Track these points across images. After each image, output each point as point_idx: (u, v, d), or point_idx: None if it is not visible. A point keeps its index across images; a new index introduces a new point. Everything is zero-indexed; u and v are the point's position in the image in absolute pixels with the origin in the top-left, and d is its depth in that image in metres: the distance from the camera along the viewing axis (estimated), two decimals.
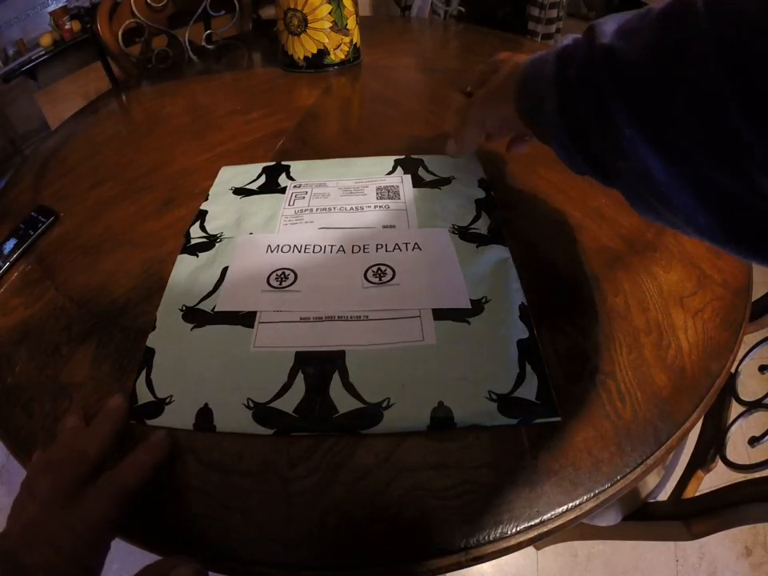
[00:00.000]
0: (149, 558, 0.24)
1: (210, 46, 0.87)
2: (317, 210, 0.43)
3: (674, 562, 0.89)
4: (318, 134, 0.56)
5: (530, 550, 0.88)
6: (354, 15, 0.69)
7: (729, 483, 0.42)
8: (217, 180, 0.49)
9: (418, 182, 0.45)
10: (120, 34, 0.75)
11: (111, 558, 0.24)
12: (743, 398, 0.50)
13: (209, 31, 0.87)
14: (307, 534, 0.24)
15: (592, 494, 0.26)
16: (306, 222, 0.41)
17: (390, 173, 0.47)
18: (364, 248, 0.38)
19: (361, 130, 0.61)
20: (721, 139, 0.19)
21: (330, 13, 0.66)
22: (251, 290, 0.35)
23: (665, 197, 0.23)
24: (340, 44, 0.70)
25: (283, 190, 0.46)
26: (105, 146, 0.59)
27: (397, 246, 0.38)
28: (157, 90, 0.74)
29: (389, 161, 0.49)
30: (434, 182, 0.45)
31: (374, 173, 0.47)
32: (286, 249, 0.39)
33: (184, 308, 0.35)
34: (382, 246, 0.38)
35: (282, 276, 0.36)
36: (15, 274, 0.41)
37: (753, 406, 0.48)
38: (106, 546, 0.25)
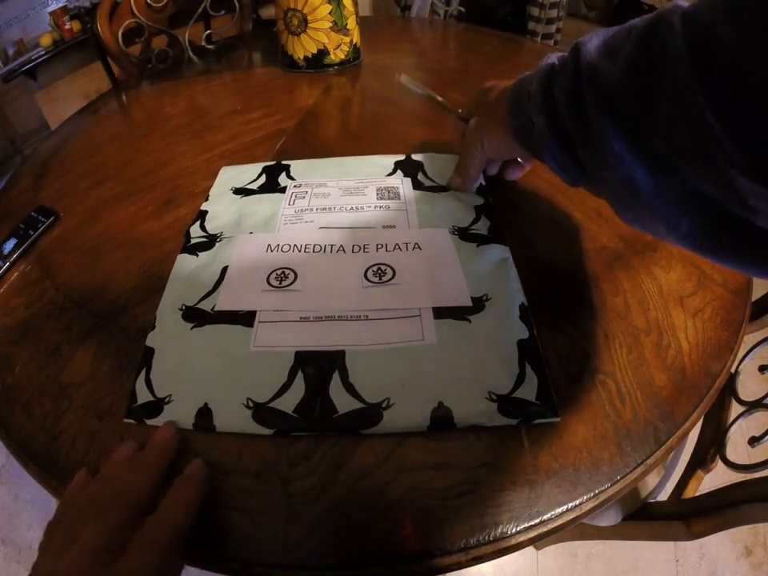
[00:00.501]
0: None
1: (209, 46, 0.87)
2: (317, 209, 0.43)
3: (674, 562, 0.89)
4: (318, 134, 0.56)
5: (530, 549, 0.88)
6: (354, 15, 0.69)
7: (729, 483, 0.42)
8: (217, 180, 0.49)
9: (417, 186, 0.45)
10: (120, 34, 0.75)
11: None
12: (743, 398, 0.50)
13: (209, 31, 0.87)
14: (307, 534, 0.24)
15: (592, 494, 0.26)
16: (306, 222, 0.41)
17: (390, 174, 0.47)
18: (364, 248, 0.38)
19: (361, 129, 0.61)
20: (700, 146, 0.20)
21: (330, 13, 0.66)
22: (251, 289, 0.35)
23: (651, 207, 0.24)
24: (340, 44, 0.70)
25: (283, 190, 0.46)
26: (105, 145, 0.59)
27: (397, 246, 0.38)
28: (157, 89, 0.74)
29: (389, 162, 0.49)
30: (433, 188, 0.45)
31: (374, 173, 0.47)
32: (286, 248, 0.39)
33: (184, 307, 0.35)
34: (382, 245, 0.38)
35: (282, 275, 0.36)
36: (15, 274, 0.41)
37: (753, 406, 0.48)
38: None
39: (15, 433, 0.30)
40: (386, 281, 0.35)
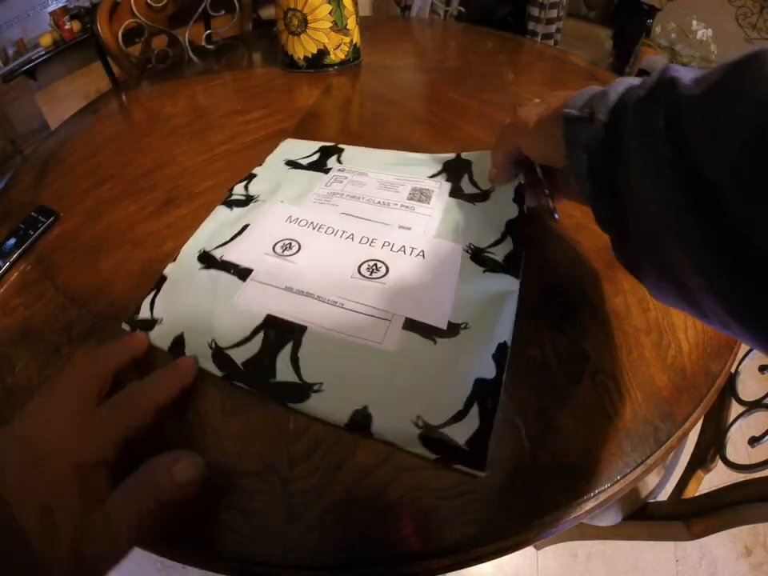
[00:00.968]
0: (148, 557, 0.24)
1: (209, 46, 0.87)
2: (347, 196, 0.44)
3: (674, 561, 0.89)
4: (318, 134, 0.56)
5: (530, 549, 0.89)
6: (354, 15, 0.69)
7: (729, 483, 0.42)
8: (277, 149, 0.52)
9: (455, 193, 0.43)
10: (120, 34, 0.75)
11: None
12: (743, 398, 0.50)
13: (209, 31, 0.87)
14: (307, 533, 0.24)
15: (592, 494, 0.26)
16: (333, 205, 0.43)
17: (434, 175, 0.46)
18: (371, 242, 0.38)
19: (361, 129, 0.61)
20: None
21: (330, 13, 0.66)
22: (256, 249, 0.38)
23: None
24: (340, 44, 0.70)
25: (327, 171, 0.48)
26: (105, 145, 0.59)
27: (402, 248, 0.38)
28: (157, 89, 0.74)
29: (438, 162, 0.48)
30: (473, 195, 0.43)
31: (418, 173, 0.46)
32: (303, 223, 0.41)
33: (202, 250, 0.39)
34: (389, 244, 0.38)
35: (288, 246, 0.38)
36: (15, 274, 0.41)
37: (753, 406, 0.48)
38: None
39: None
40: (375, 278, 0.35)
